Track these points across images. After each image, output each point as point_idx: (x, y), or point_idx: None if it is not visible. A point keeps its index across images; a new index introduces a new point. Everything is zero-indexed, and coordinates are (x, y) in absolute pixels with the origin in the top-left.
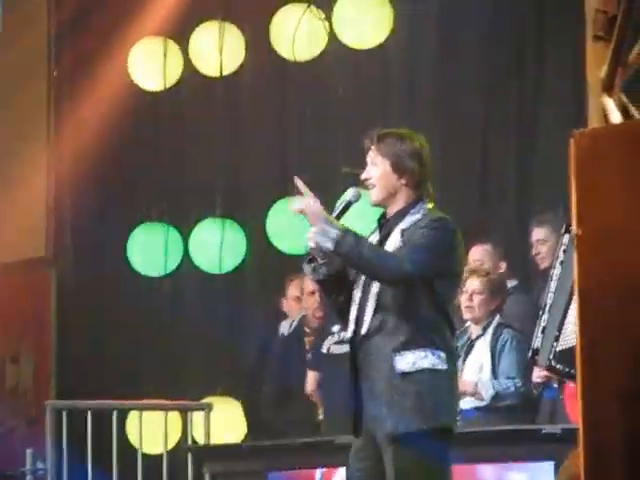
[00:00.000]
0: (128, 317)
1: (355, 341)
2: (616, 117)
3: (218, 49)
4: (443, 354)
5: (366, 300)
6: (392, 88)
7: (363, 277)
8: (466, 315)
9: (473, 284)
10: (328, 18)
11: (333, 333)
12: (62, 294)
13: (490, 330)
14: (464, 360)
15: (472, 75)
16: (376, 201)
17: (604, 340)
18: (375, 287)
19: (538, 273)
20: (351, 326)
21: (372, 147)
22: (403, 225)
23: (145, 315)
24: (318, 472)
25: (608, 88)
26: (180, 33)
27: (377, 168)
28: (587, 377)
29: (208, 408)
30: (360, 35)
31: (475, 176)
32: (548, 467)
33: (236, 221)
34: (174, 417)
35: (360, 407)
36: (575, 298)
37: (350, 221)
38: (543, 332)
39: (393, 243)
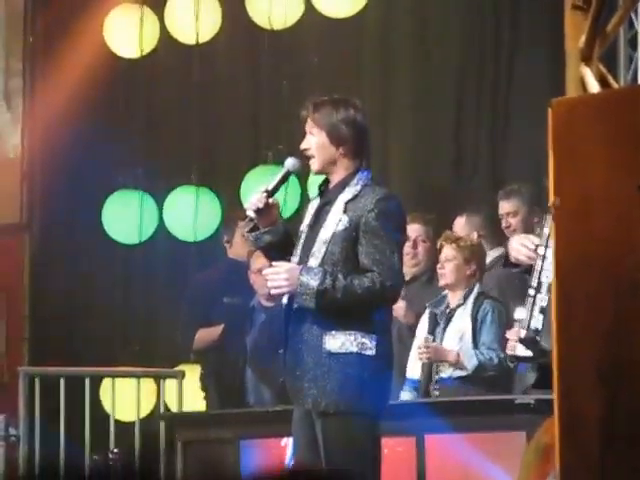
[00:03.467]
0: (102, 284)
1: (289, 311)
2: (594, 87)
3: (194, 16)
4: (375, 337)
5: None
6: (367, 58)
7: (301, 247)
8: (440, 282)
9: (446, 251)
10: None
11: None
12: (36, 260)
13: (471, 299)
14: (444, 328)
15: (447, 45)
16: (317, 171)
17: (581, 311)
18: (314, 260)
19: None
20: (287, 295)
21: (308, 117)
22: (344, 197)
23: (119, 282)
24: (284, 440)
25: (586, 58)
26: (157, 0)
27: (314, 138)
28: (563, 349)
29: (181, 375)
30: (336, 3)
31: (449, 147)
32: (520, 437)
33: (211, 189)
34: (147, 384)
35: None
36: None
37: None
38: (543, 313)
39: (335, 216)
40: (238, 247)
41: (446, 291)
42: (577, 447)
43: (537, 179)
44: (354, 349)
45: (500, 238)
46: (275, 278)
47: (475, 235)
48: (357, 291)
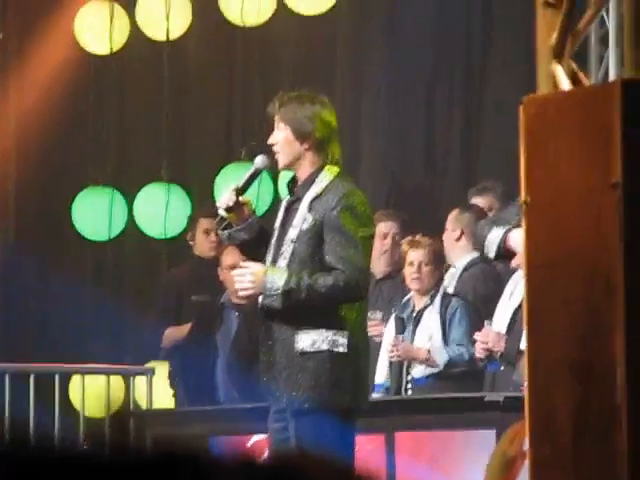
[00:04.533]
0: (72, 281)
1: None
2: (565, 84)
3: (165, 13)
4: (346, 335)
5: None
6: (339, 55)
7: (273, 245)
8: (413, 286)
9: (418, 255)
10: None
11: None
12: (5, 256)
13: (437, 299)
14: (413, 330)
15: (419, 42)
16: (282, 166)
17: (553, 307)
18: (282, 259)
19: None
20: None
21: (275, 113)
22: (310, 195)
23: (89, 279)
24: (253, 438)
25: (558, 55)
26: None
27: (280, 133)
28: (535, 346)
29: (150, 373)
30: (308, 1)
31: (421, 144)
32: (490, 435)
33: (182, 186)
34: (117, 381)
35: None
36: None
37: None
38: None
39: (301, 215)
40: (201, 245)
41: (410, 294)
42: (549, 442)
43: (509, 176)
44: (325, 347)
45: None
46: (241, 280)
47: (458, 232)
48: (321, 290)
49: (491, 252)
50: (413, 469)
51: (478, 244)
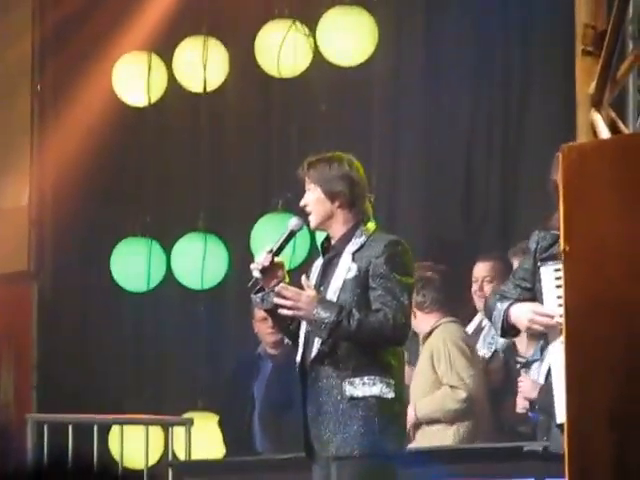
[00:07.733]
0: (110, 331)
1: (304, 365)
2: (604, 132)
3: (202, 64)
4: (392, 381)
5: None
6: (376, 105)
7: None
8: None
9: None
10: (313, 34)
11: None
12: (44, 308)
13: None
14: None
15: (457, 92)
16: (315, 225)
17: (593, 362)
18: None
19: None
20: (299, 350)
21: (305, 175)
22: (351, 248)
23: (127, 330)
24: None
25: (597, 103)
26: (164, 48)
27: (311, 194)
28: (575, 395)
29: (189, 423)
30: (345, 52)
31: (459, 196)
32: None
33: (219, 236)
34: (155, 432)
35: (307, 429)
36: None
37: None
38: None
39: (344, 266)
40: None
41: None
42: None
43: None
44: (375, 393)
45: None
46: (295, 298)
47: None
48: (372, 325)
49: (497, 330)
50: None
51: (487, 318)
